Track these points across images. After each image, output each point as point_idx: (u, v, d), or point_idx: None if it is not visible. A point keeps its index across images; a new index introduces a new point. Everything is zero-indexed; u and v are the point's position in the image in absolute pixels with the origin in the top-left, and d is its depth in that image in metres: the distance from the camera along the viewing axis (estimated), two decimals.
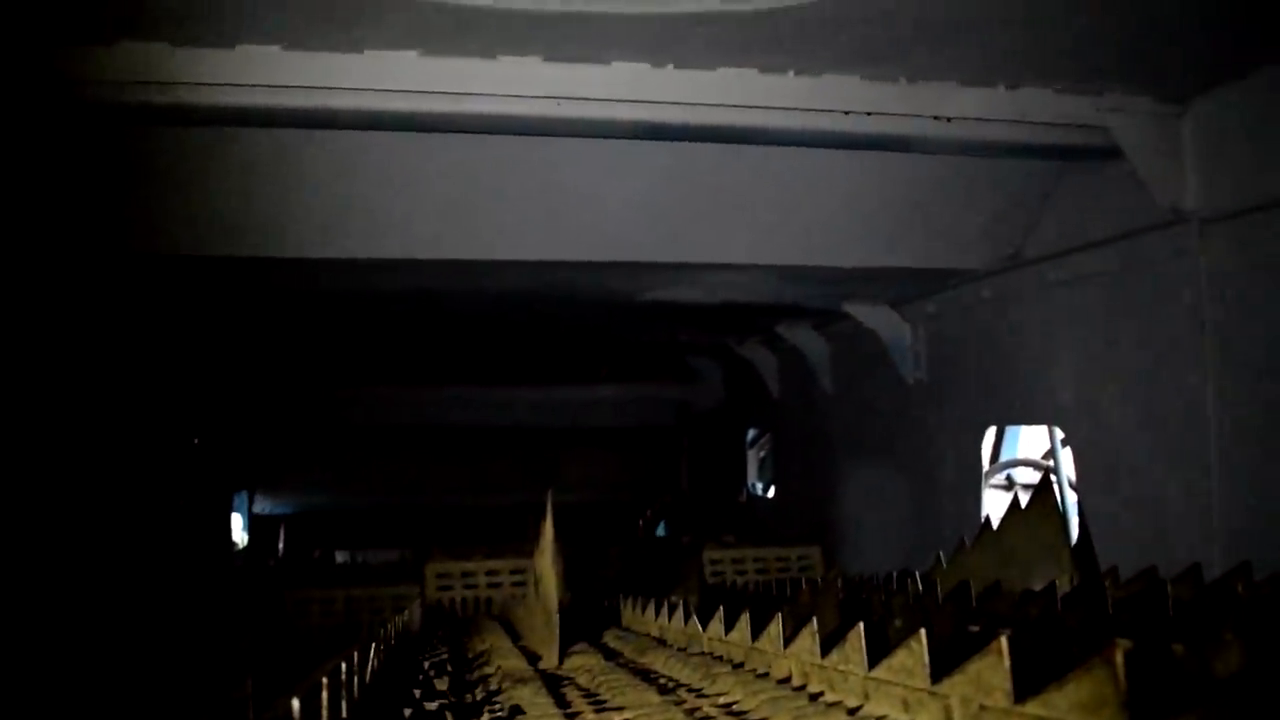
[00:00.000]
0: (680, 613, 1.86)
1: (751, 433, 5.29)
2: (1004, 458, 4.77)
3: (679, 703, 1.34)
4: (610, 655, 1.86)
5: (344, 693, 1.15)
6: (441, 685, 1.62)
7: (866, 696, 1.11)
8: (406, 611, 2.30)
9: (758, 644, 1.44)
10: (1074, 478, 2.75)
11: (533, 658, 1.89)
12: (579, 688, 1.55)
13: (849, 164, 2.50)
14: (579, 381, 5.62)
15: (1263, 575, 1.66)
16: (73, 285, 2.88)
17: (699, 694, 1.39)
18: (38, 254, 2.50)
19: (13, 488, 2.65)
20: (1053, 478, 2.75)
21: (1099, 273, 2.46)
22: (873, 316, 3.46)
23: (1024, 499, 2.10)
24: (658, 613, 2.01)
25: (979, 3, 1.72)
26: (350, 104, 1.88)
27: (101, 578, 3.17)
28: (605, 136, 2.19)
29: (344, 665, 1.16)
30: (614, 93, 1.95)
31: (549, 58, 1.89)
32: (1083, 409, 2.54)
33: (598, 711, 1.34)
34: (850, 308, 3.49)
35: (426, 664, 1.86)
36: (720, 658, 1.59)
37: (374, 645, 1.47)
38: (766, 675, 1.38)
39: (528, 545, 2.30)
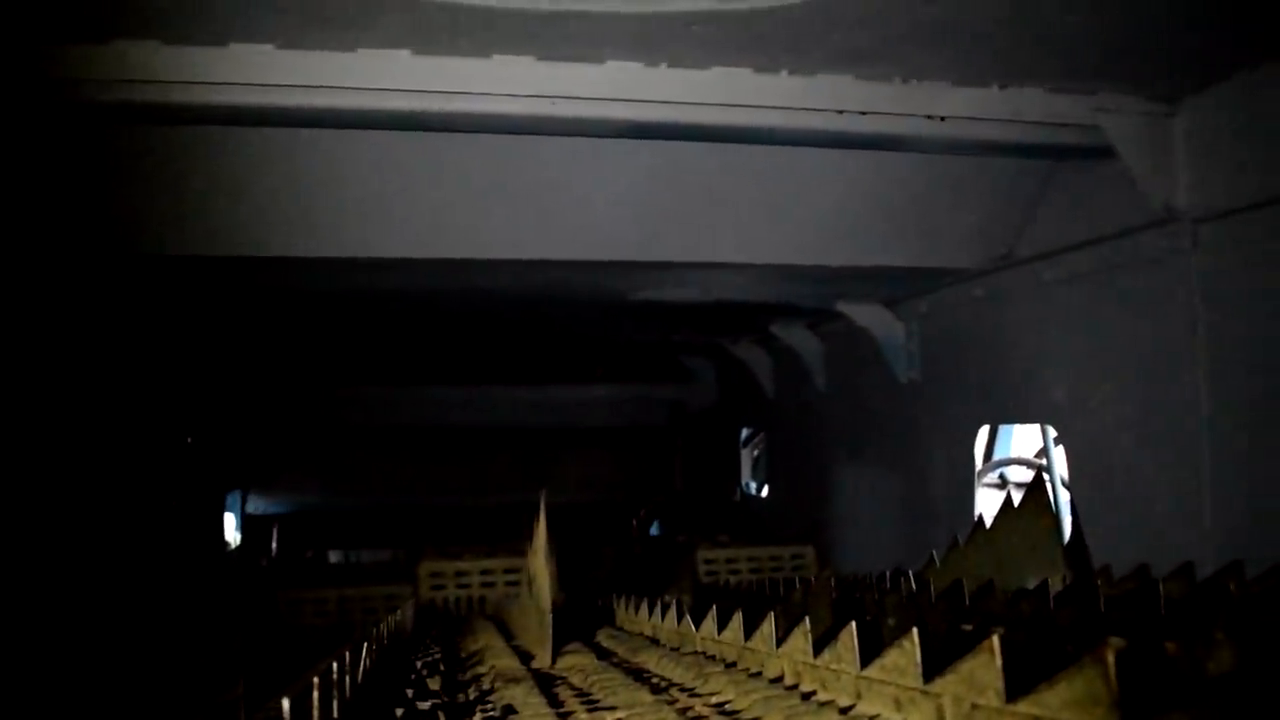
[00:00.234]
0: (673, 612, 1.86)
1: (745, 432, 5.30)
2: (997, 456, 4.80)
3: (671, 702, 1.34)
4: (603, 655, 1.85)
5: (336, 693, 1.15)
6: (434, 685, 1.62)
7: (859, 695, 1.11)
8: (399, 611, 2.29)
9: (750, 643, 1.44)
10: (1066, 476, 2.76)
11: (526, 657, 1.88)
12: (572, 687, 1.55)
13: (842, 163, 2.51)
14: (573, 381, 5.62)
15: (1255, 573, 1.67)
16: (65, 284, 2.87)
17: (692, 693, 1.39)
18: (29, 253, 2.49)
19: (3, 487, 2.64)
20: (1045, 476, 2.75)
21: (1091, 271, 2.47)
22: (866, 316, 3.47)
23: (1017, 497, 2.10)
24: (651, 612, 2.01)
25: (972, 2, 1.72)
26: (343, 103, 1.88)
27: (94, 577, 3.17)
28: (598, 136, 2.20)
29: (336, 665, 1.16)
30: (607, 92, 1.95)
31: (542, 57, 1.89)
32: (1075, 407, 2.55)
33: (590, 711, 1.34)
34: (844, 307, 3.50)
35: (419, 663, 1.85)
36: (713, 657, 1.59)
37: (366, 645, 1.47)
38: (759, 674, 1.37)
39: (522, 544, 2.29)
